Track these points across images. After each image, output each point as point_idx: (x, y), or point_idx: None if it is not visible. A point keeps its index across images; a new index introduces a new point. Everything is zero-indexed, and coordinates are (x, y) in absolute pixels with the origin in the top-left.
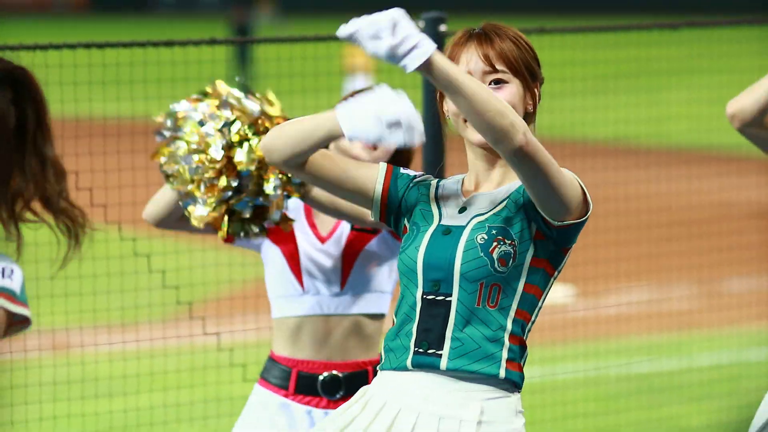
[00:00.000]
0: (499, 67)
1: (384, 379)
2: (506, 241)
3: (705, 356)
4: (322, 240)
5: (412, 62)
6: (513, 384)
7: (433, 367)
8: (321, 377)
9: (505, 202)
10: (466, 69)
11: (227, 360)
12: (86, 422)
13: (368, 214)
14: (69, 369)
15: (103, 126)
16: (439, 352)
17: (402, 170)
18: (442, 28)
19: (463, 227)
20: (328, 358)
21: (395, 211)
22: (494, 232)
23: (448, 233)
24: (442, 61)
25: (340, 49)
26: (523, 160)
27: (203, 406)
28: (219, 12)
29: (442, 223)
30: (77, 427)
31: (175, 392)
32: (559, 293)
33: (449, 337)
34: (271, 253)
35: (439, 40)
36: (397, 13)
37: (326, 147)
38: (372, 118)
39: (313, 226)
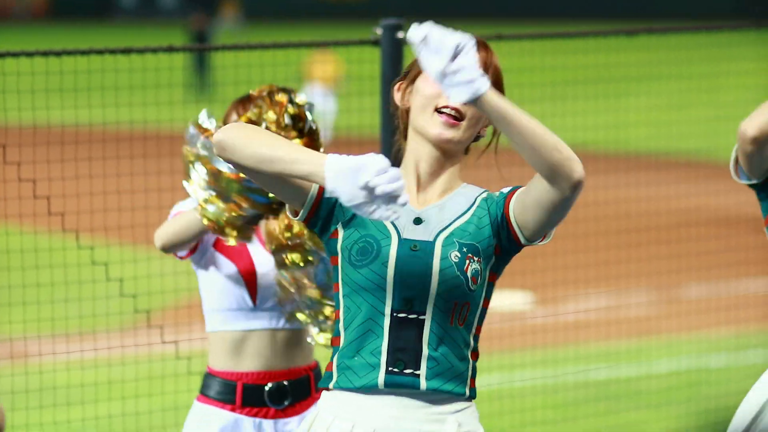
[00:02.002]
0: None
1: (344, 399)
2: (475, 258)
3: (663, 363)
4: None
5: (459, 94)
6: (471, 397)
7: (411, 387)
8: (267, 387)
9: (468, 215)
10: None
11: (185, 368)
12: (45, 431)
13: None
14: (27, 378)
15: (61, 134)
16: (417, 372)
17: None
18: (400, 35)
19: (431, 243)
20: (271, 368)
21: (326, 214)
22: (465, 249)
23: (416, 249)
24: (494, 98)
25: (300, 57)
26: (575, 193)
27: (161, 414)
28: (179, 18)
29: (405, 237)
30: None
31: (133, 401)
32: (517, 300)
33: (425, 356)
34: (221, 267)
35: (397, 46)
36: (466, 41)
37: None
38: (354, 184)
39: (263, 242)
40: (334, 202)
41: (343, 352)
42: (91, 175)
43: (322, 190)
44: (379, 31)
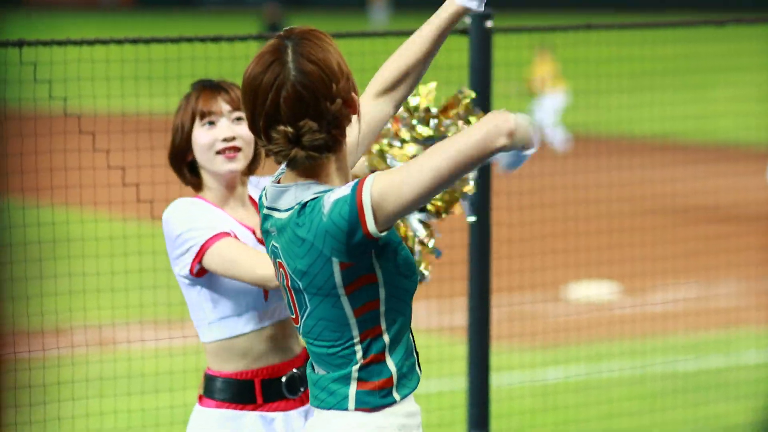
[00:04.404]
0: None
1: (408, 403)
2: None
3: (752, 354)
4: None
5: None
6: None
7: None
8: (283, 379)
9: None
10: None
11: None
12: (132, 418)
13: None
14: (115, 365)
15: (149, 121)
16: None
17: None
18: (489, 24)
19: None
20: (281, 360)
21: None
22: None
23: None
24: None
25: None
26: None
27: None
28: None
29: None
30: (123, 423)
31: None
32: (604, 290)
33: None
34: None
35: (486, 36)
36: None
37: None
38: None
39: (261, 242)
40: None
41: (399, 363)
42: None
43: None
44: (467, 20)
